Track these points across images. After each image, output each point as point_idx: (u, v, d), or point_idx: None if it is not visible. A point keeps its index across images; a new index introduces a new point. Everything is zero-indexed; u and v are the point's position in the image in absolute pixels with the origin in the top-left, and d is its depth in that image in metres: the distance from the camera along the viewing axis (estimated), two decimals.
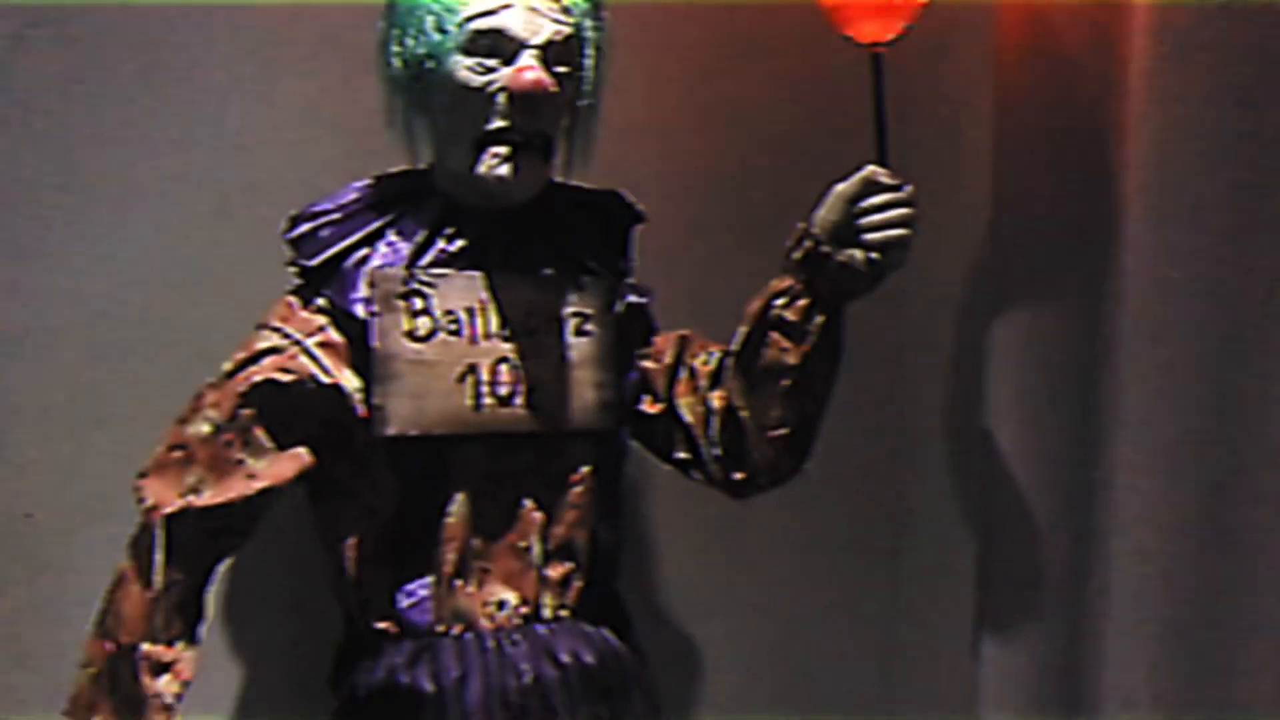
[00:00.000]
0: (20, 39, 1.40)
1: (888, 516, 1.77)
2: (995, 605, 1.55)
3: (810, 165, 1.38)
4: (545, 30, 1.27)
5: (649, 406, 1.40)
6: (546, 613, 1.34)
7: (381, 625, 1.32)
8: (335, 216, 1.32)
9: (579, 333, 1.34)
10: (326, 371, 1.29)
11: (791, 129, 1.65)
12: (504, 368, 1.30)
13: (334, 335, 1.29)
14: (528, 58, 1.26)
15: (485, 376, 1.30)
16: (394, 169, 1.35)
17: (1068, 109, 1.46)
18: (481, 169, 1.28)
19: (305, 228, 1.32)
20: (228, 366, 1.29)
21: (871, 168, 1.31)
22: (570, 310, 1.34)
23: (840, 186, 1.31)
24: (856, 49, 1.35)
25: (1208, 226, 1.32)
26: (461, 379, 1.29)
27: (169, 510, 1.24)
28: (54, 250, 1.43)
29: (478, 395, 1.29)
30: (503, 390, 1.30)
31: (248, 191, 1.47)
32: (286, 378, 1.27)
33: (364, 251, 1.30)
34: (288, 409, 1.27)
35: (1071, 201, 1.46)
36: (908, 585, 1.78)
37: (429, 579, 1.32)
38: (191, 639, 1.26)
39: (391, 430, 1.28)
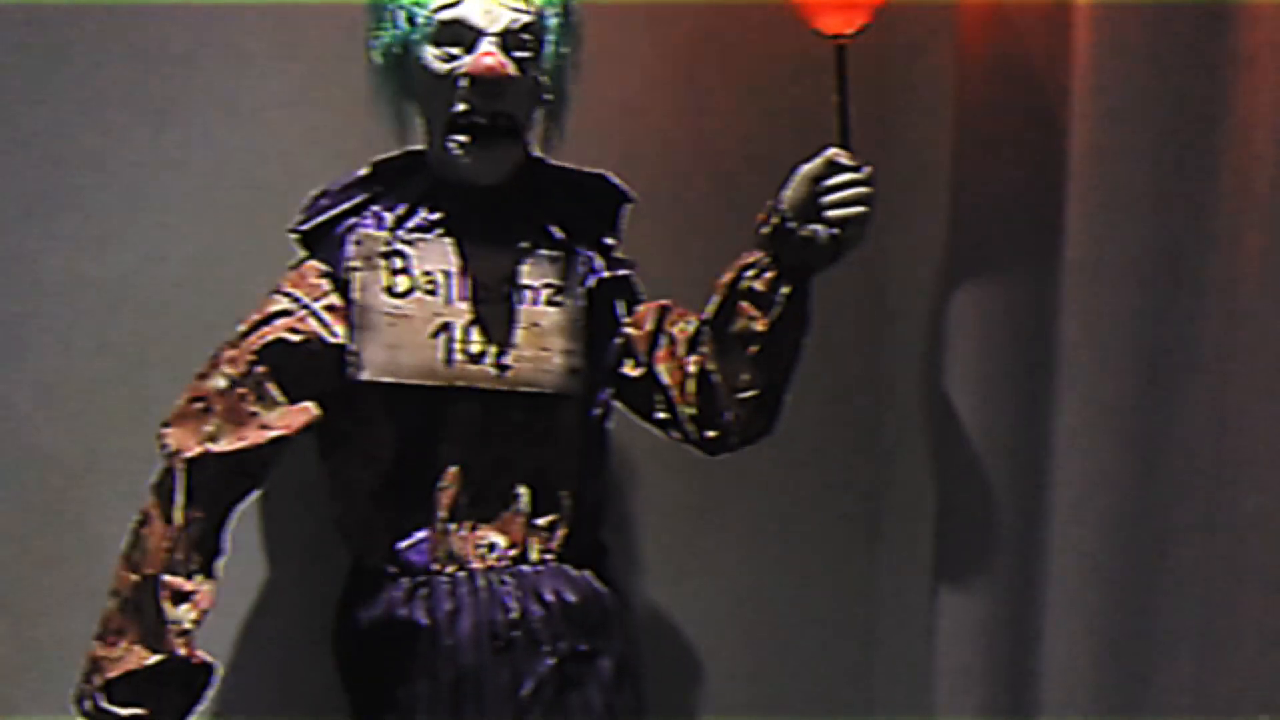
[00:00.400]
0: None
1: (862, 485, 1.87)
2: (950, 569, 1.65)
3: (781, 148, 1.48)
4: (503, 19, 1.38)
5: (631, 370, 1.51)
6: (533, 556, 1.46)
7: (382, 565, 1.45)
8: (333, 191, 1.45)
9: (550, 302, 1.45)
10: (332, 332, 1.41)
11: (765, 115, 1.74)
12: (476, 329, 1.42)
13: (337, 300, 1.42)
14: (487, 44, 1.37)
15: (458, 335, 1.41)
16: (393, 152, 1.47)
17: (1021, 102, 1.56)
18: (448, 151, 1.40)
19: (317, 205, 1.45)
20: (243, 327, 1.41)
21: (833, 149, 1.41)
22: (543, 281, 1.45)
23: (805, 167, 1.41)
24: (823, 40, 1.46)
25: (1138, 209, 1.42)
26: (435, 335, 1.41)
27: (189, 455, 1.36)
28: (87, 225, 1.55)
29: (449, 351, 1.41)
30: (474, 349, 1.42)
31: (260, 176, 1.59)
32: (296, 337, 1.40)
33: (353, 220, 1.43)
34: (297, 366, 1.40)
35: (1023, 187, 1.56)
36: (880, 550, 1.88)
37: (426, 524, 1.43)
38: (209, 573, 1.39)
39: (366, 376, 1.40)
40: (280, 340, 1.39)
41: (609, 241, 1.52)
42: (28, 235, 1.54)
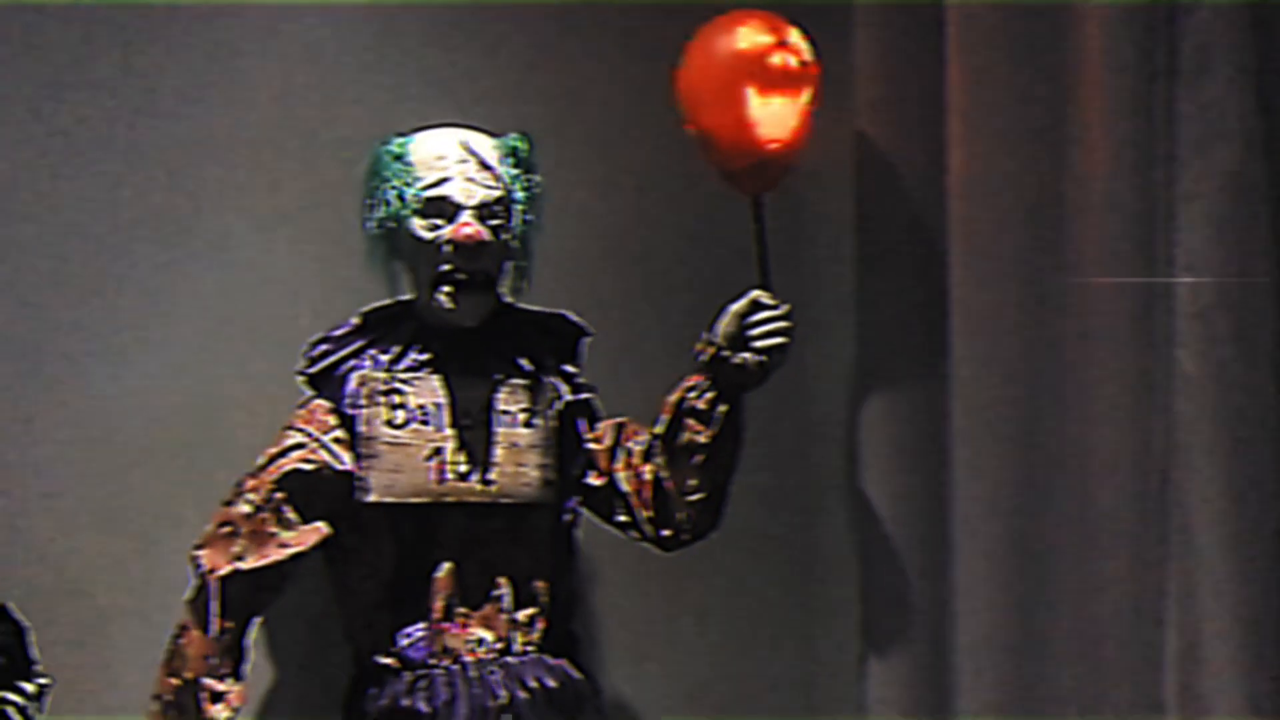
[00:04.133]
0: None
1: (798, 569, 2.09)
2: (875, 626, 1.92)
3: (715, 288, 1.74)
4: (478, 195, 1.64)
5: (594, 479, 1.74)
6: (517, 648, 1.66)
7: (385, 660, 1.65)
8: (334, 338, 1.68)
9: (526, 424, 1.68)
10: (340, 460, 1.63)
11: (701, 259, 2.01)
12: (463, 451, 1.64)
13: (343, 433, 1.64)
14: (466, 216, 1.63)
15: (449, 457, 1.63)
16: (382, 302, 1.70)
17: (913, 238, 1.87)
18: (435, 302, 1.64)
19: (317, 350, 1.68)
20: (262, 460, 1.63)
21: (756, 291, 1.69)
22: (518, 406, 1.68)
23: (734, 306, 1.68)
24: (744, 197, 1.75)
25: (1007, 339, 1.72)
26: (429, 458, 1.63)
27: (222, 572, 1.57)
28: (126, 363, 1.76)
29: (441, 471, 1.63)
30: (462, 468, 1.64)
31: (275, 320, 1.82)
32: (309, 466, 1.62)
33: (353, 362, 1.66)
34: (310, 491, 1.62)
35: (916, 309, 1.87)
36: (816, 625, 2.11)
37: (422, 623, 1.64)
38: (238, 676, 1.59)
39: (371, 498, 1.61)
40: (296, 470, 1.61)
41: (571, 370, 1.75)
42: (40, 372, 1.73)
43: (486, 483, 1.65)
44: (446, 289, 1.63)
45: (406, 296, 1.71)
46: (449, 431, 1.64)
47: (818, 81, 1.74)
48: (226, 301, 1.82)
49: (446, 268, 1.63)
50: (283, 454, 1.63)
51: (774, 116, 1.69)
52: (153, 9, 1.79)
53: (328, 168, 1.82)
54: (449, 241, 1.62)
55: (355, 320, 1.70)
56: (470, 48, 1.93)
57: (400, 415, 1.63)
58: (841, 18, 1.92)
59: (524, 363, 1.70)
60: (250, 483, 1.62)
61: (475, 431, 1.66)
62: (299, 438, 1.64)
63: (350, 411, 1.64)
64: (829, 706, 2.06)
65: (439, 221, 1.63)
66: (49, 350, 1.75)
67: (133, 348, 1.77)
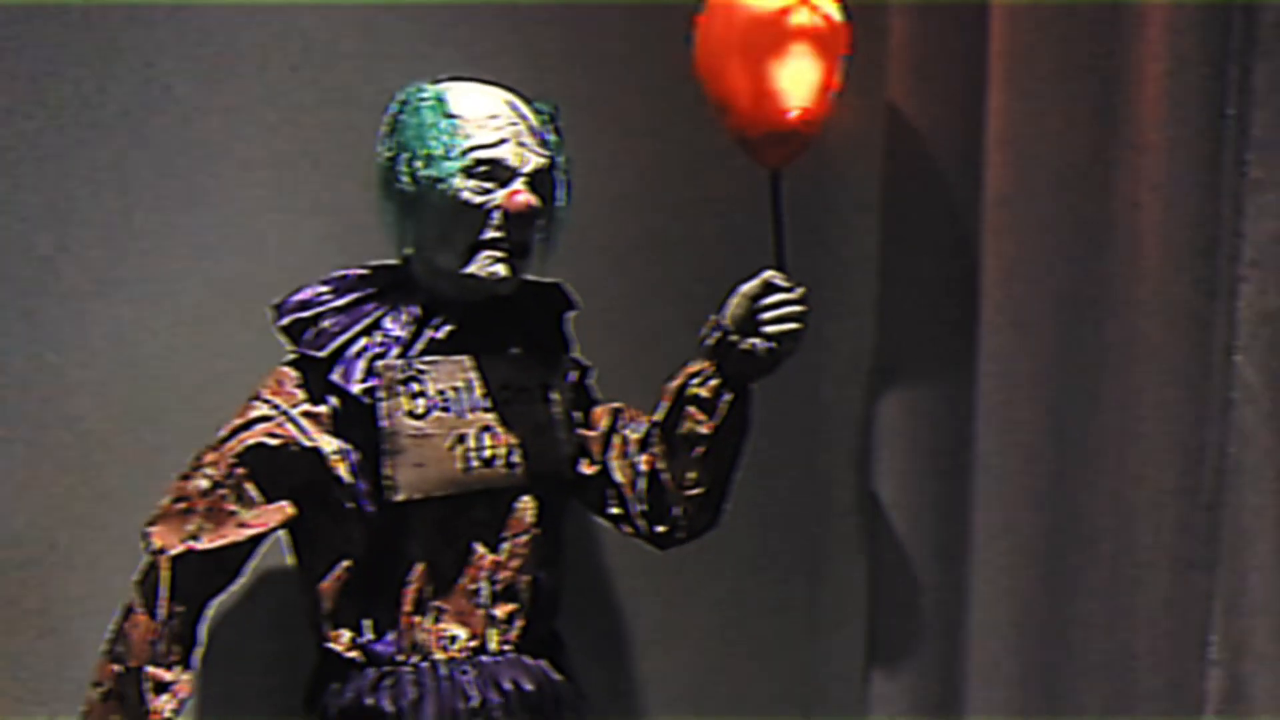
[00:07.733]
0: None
1: (800, 573, 1.99)
2: (883, 634, 1.79)
3: (726, 267, 1.62)
4: (532, 161, 1.52)
5: (586, 468, 1.62)
6: (492, 646, 1.55)
7: (349, 655, 1.53)
8: (337, 304, 1.53)
9: (544, 400, 1.57)
10: (308, 436, 1.51)
11: (710, 234, 1.90)
12: (487, 434, 1.53)
13: (315, 406, 1.51)
14: (520, 183, 1.50)
15: (472, 443, 1.52)
16: (378, 262, 1.57)
17: (940, 221, 1.73)
18: (474, 269, 1.50)
19: (307, 314, 1.52)
20: (224, 432, 1.50)
21: (770, 271, 1.56)
22: (537, 382, 1.57)
23: (744, 286, 1.55)
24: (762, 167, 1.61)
25: (1044, 323, 1.58)
26: (453, 447, 1.51)
27: (173, 553, 1.45)
28: (70, 332, 1.65)
29: (467, 459, 1.52)
30: (486, 453, 1.53)
31: (237, 277, 1.70)
32: (274, 441, 1.49)
33: (363, 341, 1.52)
34: (274, 468, 1.49)
35: (942, 298, 1.73)
36: (818, 633, 2.00)
37: (391, 615, 1.53)
38: (187, 664, 1.47)
39: (400, 496, 1.49)
40: (260, 444, 1.49)
41: (571, 343, 1.63)
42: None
43: (511, 465, 1.53)
44: (495, 255, 1.50)
45: (394, 260, 1.57)
46: (470, 416, 1.52)
47: (847, 46, 1.60)
48: (200, 261, 1.69)
49: (493, 235, 1.51)
50: (246, 427, 1.50)
51: (795, 82, 1.56)
52: None
53: (311, 120, 1.71)
54: (500, 208, 1.50)
55: (353, 283, 1.54)
56: (484, 18, 1.80)
57: (421, 404, 1.51)
58: None
59: (534, 334, 1.59)
60: (210, 456, 1.50)
61: (496, 412, 1.54)
62: (265, 410, 1.51)
63: (355, 394, 1.49)
64: (831, 711, 1.95)
65: (489, 185, 1.50)
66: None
67: (100, 303, 1.66)
